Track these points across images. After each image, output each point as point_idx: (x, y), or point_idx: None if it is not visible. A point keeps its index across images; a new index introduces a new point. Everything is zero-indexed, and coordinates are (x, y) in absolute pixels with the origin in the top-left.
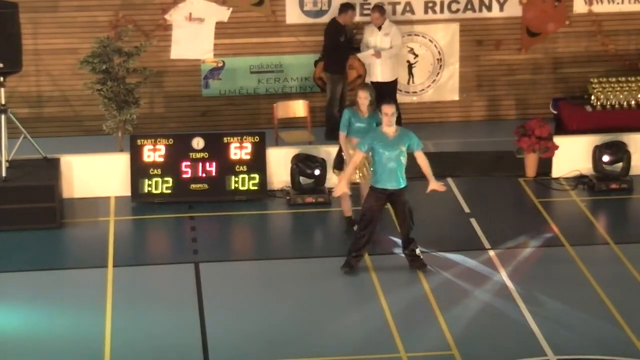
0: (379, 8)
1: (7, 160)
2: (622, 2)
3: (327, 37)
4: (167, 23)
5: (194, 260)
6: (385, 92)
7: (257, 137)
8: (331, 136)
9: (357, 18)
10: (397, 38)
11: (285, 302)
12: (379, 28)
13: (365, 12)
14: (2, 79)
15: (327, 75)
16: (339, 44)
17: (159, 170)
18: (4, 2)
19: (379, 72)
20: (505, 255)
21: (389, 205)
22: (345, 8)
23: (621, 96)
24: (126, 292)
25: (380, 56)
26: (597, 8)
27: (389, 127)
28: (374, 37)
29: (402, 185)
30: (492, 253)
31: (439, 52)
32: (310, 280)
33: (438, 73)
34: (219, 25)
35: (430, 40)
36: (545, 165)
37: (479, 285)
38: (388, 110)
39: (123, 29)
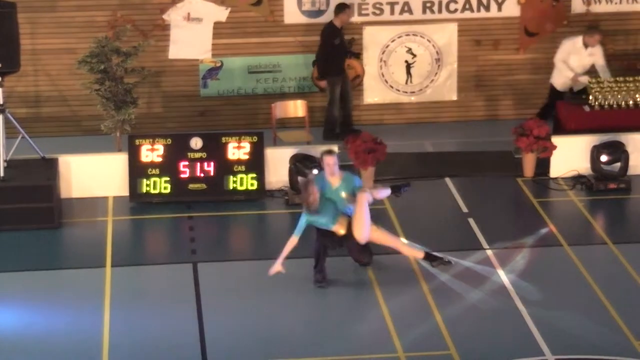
0: (599, 30)
1: (5, 160)
2: (620, 2)
3: (322, 41)
4: (165, 23)
5: (192, 260)
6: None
7: (255, 137)
8: (329, 136)
9: (358, 18)
10: (602, 57)
11: (283, 302)
12: (585, 47)
13: (363, 12)
14: (0, 78)
15: (325, 79)
16: (334, 47)
17: (157, 170)
18: (2, 2)
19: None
20: (503, 255)
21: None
22: (341, 8)
23: (619, 96)
24: (124, 292)
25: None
26: (595, 8)
27: (332, 177)
28: (578, 56)
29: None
30: (490, 253)
31: (437, 52)
32: (308, 280)
33: (436, 73)
34: (217, 25)
35: (429, 40)
36: (543, 165)
37: (477, 285)
38: (330, 160)
39: (121, 28)
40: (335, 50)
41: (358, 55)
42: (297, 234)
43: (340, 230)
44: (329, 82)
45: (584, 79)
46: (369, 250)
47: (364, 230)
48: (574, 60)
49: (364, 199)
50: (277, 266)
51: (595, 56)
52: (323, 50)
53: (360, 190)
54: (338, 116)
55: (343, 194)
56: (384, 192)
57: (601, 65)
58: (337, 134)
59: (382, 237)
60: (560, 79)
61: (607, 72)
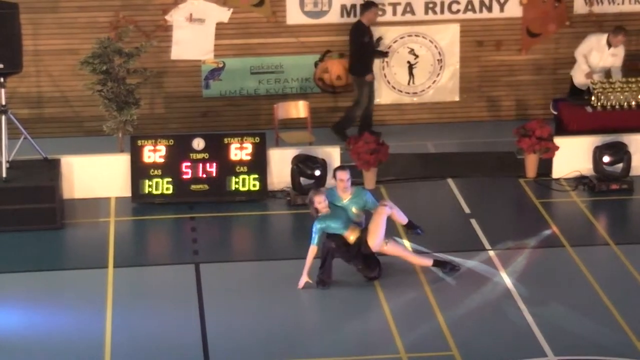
0: (625, 30)
1: (7, 161)
2: (623, 3)
3: (352, 39)
4: (168, 24)
5: (194, 260)
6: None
7: (257, 137)
8: (338, 131)
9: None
10: (621, 59)
11: (285, 302)
12: (609, 46)
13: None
14: (2, 79)
15: (353, 78)
16: (363, 45)
17: (160, 171)
18: (4, 2)
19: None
20: (505, 255)
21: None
22: (367, 6)
23: (621, 97)
24: (126, 292)
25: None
26: (597, 9)
27: (344, 192)
28: (600, 54)
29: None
30: (492, 253)
31: (439, 53)
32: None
33: (438, 74)
34: (220, 26)
35: (431, 41)
36: (545, 166)
37: (479, 286)
38: (343, 176)
39: (123, 29)
40: (364, 49)
41: (386, 54)
42: (314, 242)
43: (351, 237)
44: (357, 81)
45: (597, 78)
46: (377, 265)
47: (377, 239)
48: (595, 57)
49: (384, 212)
50: (304, 277)
51: (617, 57)
52: (354, 49)
53: (382, 203)
54: (357, 118)
55: (354, 209)
56: (402, 217)
57: (617, 66)
58: (345, 135)
59: (393, 250)
60: (578, 73)
61: (620, 74)
